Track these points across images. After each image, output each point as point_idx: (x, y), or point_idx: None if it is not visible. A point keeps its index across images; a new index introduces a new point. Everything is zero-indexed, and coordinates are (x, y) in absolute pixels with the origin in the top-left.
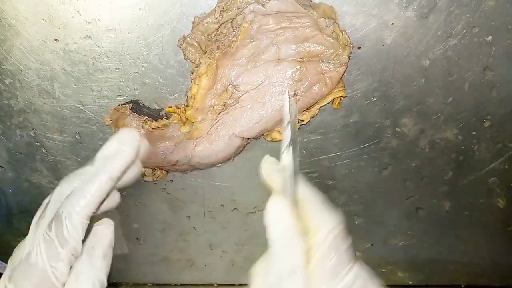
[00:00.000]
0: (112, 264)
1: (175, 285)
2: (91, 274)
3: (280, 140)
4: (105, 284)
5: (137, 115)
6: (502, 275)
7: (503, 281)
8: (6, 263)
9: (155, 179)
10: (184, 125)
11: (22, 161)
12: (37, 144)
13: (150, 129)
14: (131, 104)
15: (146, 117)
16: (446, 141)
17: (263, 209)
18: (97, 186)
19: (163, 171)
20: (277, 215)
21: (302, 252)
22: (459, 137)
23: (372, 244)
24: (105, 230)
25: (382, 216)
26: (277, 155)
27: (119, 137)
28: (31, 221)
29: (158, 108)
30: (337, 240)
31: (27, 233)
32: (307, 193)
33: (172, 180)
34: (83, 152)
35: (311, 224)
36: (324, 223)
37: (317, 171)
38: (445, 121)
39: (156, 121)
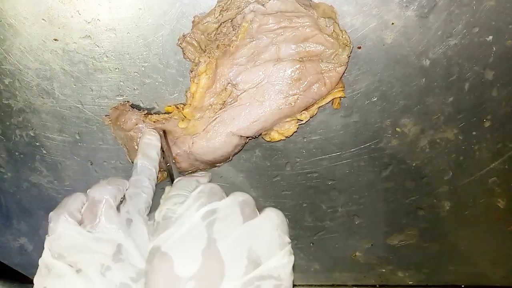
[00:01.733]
0: None
1: None
2: None
3: (279, 140)
4: None
5: (138, 110)
6: (502, 275)
7: (503, 281)
8: (7, 262)
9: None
10: (182, 121)
11: (21, 161)
12: (37, 144)
13: (152, 123)
14: (131, 102)
15: (146, 111)
16: (446, 141)
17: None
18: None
19: (164, 172)
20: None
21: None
22: (459, 137)
23: (372, 244)
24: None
25: (382, 216)
26: (274, 154)
27: (140, 145)
28: (31, 221)
29: (157, 108)
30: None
31: (27, 233)
32: None
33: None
34: (83, 152)
35: None
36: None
37: (317, 171)
38: (445, 121)
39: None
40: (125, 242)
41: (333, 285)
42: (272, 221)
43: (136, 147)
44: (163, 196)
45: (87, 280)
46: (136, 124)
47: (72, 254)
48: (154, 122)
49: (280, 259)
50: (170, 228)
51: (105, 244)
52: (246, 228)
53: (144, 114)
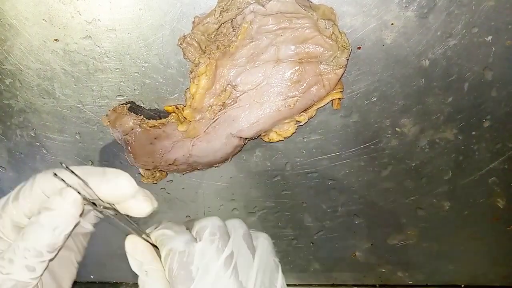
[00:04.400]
0: (112, 264)
1: None
2: None
3: (277, 141)
4: None
5: (135, 115)
6: (502, 275)
7: (503, 281)
8: None
9: (154, 181)
10: (181, 124)
11: (22, 161)
12: (37, 144)
13: (148, 128)
14: (129, 104)
15: (142, 116)
16: (446, 141)
17: (263, 209)
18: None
19: (163, 172)
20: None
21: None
22: (459, 137)
23: (372, 244)
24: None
25: (381, 216)
26: (274, 154)
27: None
28: None
29: (158, 108)
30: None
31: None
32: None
33: (172, 180)
34: (84, 152)
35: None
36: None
37: (317, 171)
38: (445, 121)
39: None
40: None
41: (333, 284)
42: (267, 249)
43: (130, 154)
44: (159, 238)
45: None
46: (132, 129)
47: None
48: (151, 127)
49: (282, 280)
50: (199, 283)
51: None
52: (257, 262)
53: (141, 119)
